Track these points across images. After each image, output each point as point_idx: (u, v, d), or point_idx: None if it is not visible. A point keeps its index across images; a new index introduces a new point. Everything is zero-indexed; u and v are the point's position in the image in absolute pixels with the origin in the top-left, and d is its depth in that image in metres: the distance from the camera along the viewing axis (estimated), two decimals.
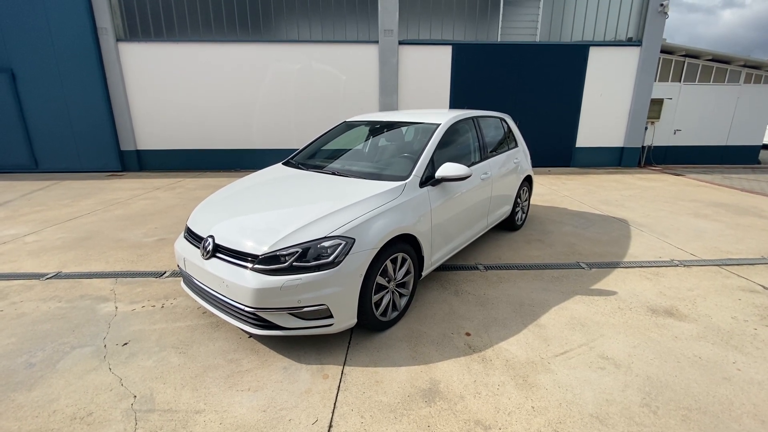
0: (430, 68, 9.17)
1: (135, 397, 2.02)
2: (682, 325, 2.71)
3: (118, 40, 8.68)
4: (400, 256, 2.59)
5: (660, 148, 10.67)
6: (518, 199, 4.57)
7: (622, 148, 9.93)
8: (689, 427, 1.84)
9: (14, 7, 8.16)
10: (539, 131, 9.45)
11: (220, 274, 2.26)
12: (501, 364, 2.28)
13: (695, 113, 10.57)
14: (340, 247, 2.23)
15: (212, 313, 2.50)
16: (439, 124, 3.34)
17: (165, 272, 3.55)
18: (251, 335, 2.55)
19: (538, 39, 9.23)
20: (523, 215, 4.89)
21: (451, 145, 3.42)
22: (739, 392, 2.07)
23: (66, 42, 8.41)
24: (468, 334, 2.59)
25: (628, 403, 1.98)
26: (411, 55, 9.06)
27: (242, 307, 2.20)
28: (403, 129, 3.84)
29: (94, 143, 9.02)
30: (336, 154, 3.79)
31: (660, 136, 10.60)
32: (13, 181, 7.94)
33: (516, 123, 4.95)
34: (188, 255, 2.52)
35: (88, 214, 5.48)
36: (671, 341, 2.51)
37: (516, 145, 4.62)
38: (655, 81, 9.78)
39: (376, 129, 3.99)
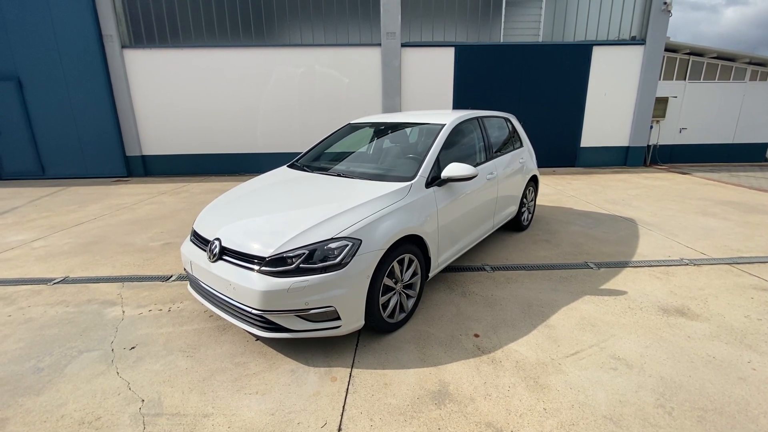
0: (433, 70, 9.18)
1: (143, 401, 2.02)
2: (695, 324, 2.67)
3: (123, 46, 8.76)
4: (407, 257, 2.57)
5: (665, 147, 10.58)
6: (524, 199, 4.54)
7: (628, 148, 9.86)
8: (705, 428, 1.80)
9: (21, 15, 8.26)
10: (543, 131, 9.41)
11: (226, 277, 2.25)
12: (511, 366, 2.26)
13: (701, 111, 10.48)
14: (347, 248, 2.21)
15: (219, 316, 2.49)
16: (444, 125, 3.33)
17: (171, 276, 3.55)
18: (258, 338, 2.53)
19: (540, 39, 9.21)
20: (530, 215, 4.85)
21: (457, 145, 3.40)
22: (755, 392, 2.03)
23: (72, 49, 8.50)
24: (477, 336, 2.56)
25: (642, 404, 1.95)
26: (414, 57, 9.07)
27: (249, 309, 2.19)
28: (408, 130, 3.83)
29: (100, 149, 9.10)
30: (341, 156, 3.78)
31: (665, 134, 10.53)
32: (21, 188, 8.00)
33: (521, 123, 4.92)
34: (195, 258, 2.52)
35: (94, 219, 5.51)
36: (684, 341, 2.47)
37: (521, 145, 4.59)
38: (660, 79, 9.72)
39: (381, 130, 3.98)
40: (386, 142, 3.87)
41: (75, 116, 8.85)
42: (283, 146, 9.41)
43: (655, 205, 5.93)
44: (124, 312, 2.92)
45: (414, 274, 2.69)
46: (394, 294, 2.56)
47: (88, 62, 8.59)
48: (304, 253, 2.17)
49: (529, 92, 9.44)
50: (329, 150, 3.88)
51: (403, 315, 2.66)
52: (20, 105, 8.68)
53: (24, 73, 8.56)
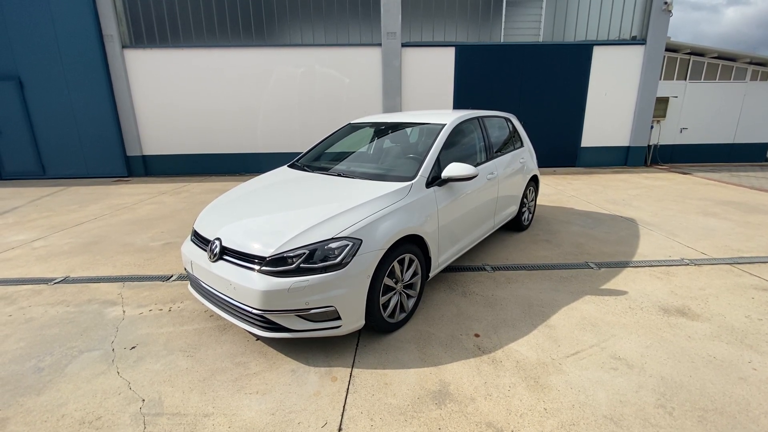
0: (433, 70, 9.17)
1: (143, 401, 2.02)
2: (695, 324, 2.67)
3: (123, 46, 8.76)
4: (407, 257, 2.57)
5: (666, 147, 10.58)
6: (525, 199, 4.54)
7: (628, 147, 9.86)
8: (706, 428, 1.80)
9: (21, 15, 8.27)
10: (544, 131, 9.41)
11: (227, 277, 2.25)
12: (511, 366, 2.25)
13: (701, 111, 10.48)
14: (348, 248, 2.21)
15: (219, 315, 2.49)
16: (444, 125, 3.32)
17: (172, 276, 3.55)
18: (259, 338, 2.53)
19: (541, 39, 9.20)
20: (530, 215, 4.85)
21: (457, 145, 3.40)
22: (756, 392, 2.02)
23: (72, 49, 8.51)
24: (477, 336, 2.56)
25: (643, 404, 1.95)
26: (414, 57, 9.07)
27: (250, 309, 2.19)
28: (408, 130, 3.83)
29: (101, 149, 9.10)
30: (341, 156, 3.78)
31: (666, 134, 10.52)
32: (21, 188, 8.01)
33: (522, 123, 4.92)
34: (195, 258, 2.52)
35: (95, 219, 5.51)
36: (684, 341, 2.47)
37: (522, 145, 4.59)
38: (660, 79, 9.71)
39: (381, 130, 3.98)
40: (386, 142, 3.87)
41: (75, 116, 8.85)
42: (283, 146, 9.41)
43: (656, 205, 5.93)
44: (124, 312, 2.92)
45: (414, 274, 2.69)
46: (394, 294, 2.56)
47: (88, 62, 8.60)
48: (304, 253, 2.17)
49: (530, 92, 9.43)
50: (329, 150, 3.88)
51: (403, 315, 2.66)
52: (21, 105, 8.69)
53: (24, 72, 8.56)
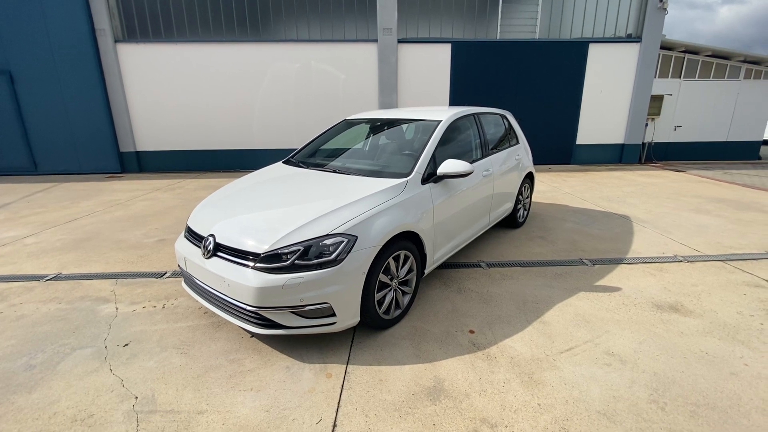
0: (429, 67, 9.15)
1: (136, 398, 2.00)
2: (688, 320, 2.69)
3: (116, 41, 8.66)
4: (402, 253, 2.57)
5: (660, 145, 10.64)
6: (520, 196, 4.55)
7: (623, 145, 9.91)
8: (698, 423, 1.82)
9: (12, 9, 8.14)
10: (539, 129, 9.43)
11: (221, 273, 2.23)
12: (506, 362, 2.26)
13: (695, 109, 10.54)
14: (342, 244, 2.20)
15: (213, 312, 2.48)
16: (440, 121, 3.32)
17: (165, 272, 3.53)
18: (253, 335, 2.52)
19: (537, 36, 9.21)
20: (525, 212, 4.86)
21: (453, 142, 3.40)
22: (747, 387, 2.05)
23: (64, 43, 8.39)
24: (472, 332, 2.57)
25: (636, 399, 1.96)
26: (410, 54, 9.04)
27: (244, 306, 2.17)
28: (404, 126, 3.82)
29: (93, 145, 9.01)
30: (336, 153, 3.77)
31: (660, 132, 10.58)
32: (13, 184, 7.91)
33: (517, 120, 4.93)
34: (189, 254, 2.50)
35: (87, 215, 5.46)
36: (677, 337, 2.49)
37: (517, 142, 4.59)
38: (655, 77, 9.76)
39: (377, 127, 3.96)
40: (382, 138, 3.86)
41: (68, 111, 8.75)
42: (278, 142, 9.36)
43: (650, 202, 5.97)
44: (117, 309, 2.89)
45: (410, 270, 2.69)
46: (389, 290, 2.56)
47: (80, 56, 8.49)
48: (299, 250, 2.16)
49: (526, 89, 9.44)
50: (325, 146, 3.87)
51: (398, 311, 2.66)
52: (12, 100, 8.57)
53: (15, 67, 8.44)
